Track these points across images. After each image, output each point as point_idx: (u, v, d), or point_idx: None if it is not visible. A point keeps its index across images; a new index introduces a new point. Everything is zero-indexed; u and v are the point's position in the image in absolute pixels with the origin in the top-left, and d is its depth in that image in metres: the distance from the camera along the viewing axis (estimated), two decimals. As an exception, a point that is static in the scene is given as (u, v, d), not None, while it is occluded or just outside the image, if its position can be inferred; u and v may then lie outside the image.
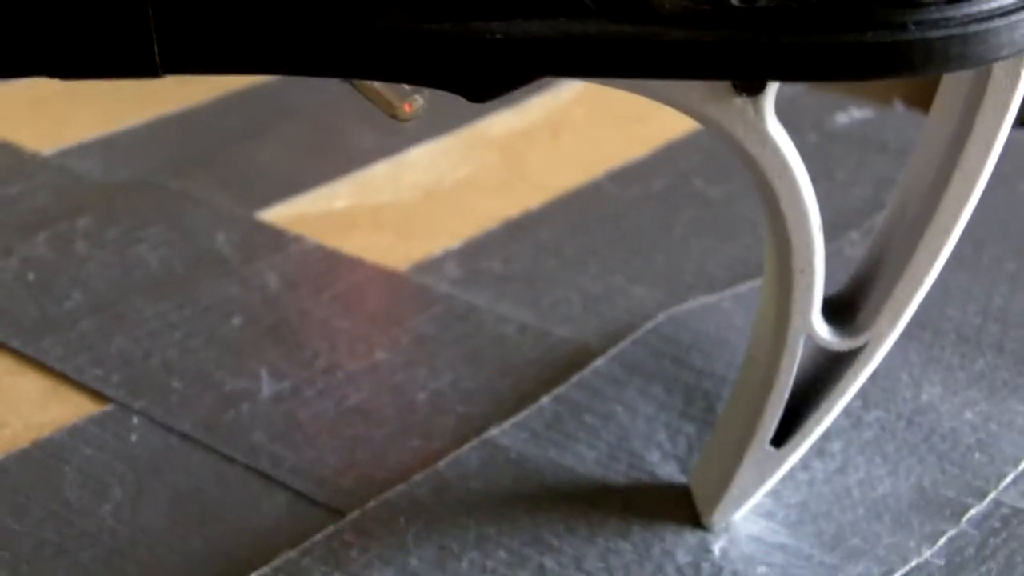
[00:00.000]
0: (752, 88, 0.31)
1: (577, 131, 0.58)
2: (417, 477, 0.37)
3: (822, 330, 0.33)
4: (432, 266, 0.48)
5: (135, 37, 0.28)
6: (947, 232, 0.33)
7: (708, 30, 0.28)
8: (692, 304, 0.44)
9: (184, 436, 0.39)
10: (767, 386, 0.34)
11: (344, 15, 0.28)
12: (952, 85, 0.33)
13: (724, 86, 0.30)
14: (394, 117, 0.33)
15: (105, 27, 0.28)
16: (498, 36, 0.28)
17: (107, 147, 0.56)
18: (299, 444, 0.39)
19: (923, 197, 0.33)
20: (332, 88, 0.31)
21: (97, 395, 0.41)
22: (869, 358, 0.34)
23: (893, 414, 0.40)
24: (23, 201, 0.52)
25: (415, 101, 0.33)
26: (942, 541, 0.35)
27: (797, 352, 0.33)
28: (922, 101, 0.86)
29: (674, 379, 0.41)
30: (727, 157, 0.50)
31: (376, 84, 0.32)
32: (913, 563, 0.34)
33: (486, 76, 0.29)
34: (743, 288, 0.45)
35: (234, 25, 0.28)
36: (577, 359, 0.42)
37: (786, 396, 0.34)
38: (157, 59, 0.28)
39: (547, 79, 0.32)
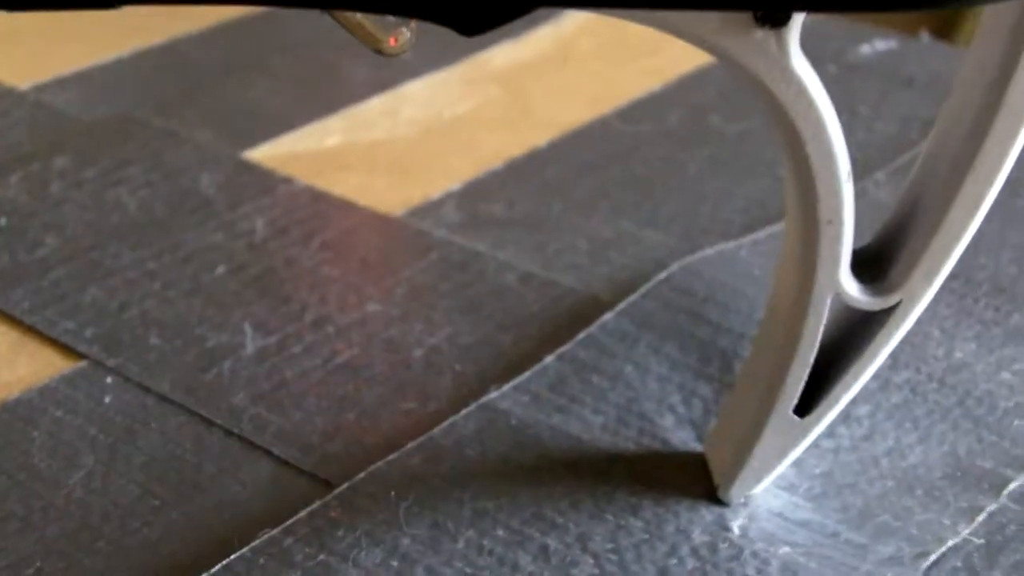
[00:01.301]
0: (775, 19, 0.28)
1: (584, 63, 0.54)
2: (410, 445, 0.34)
3: (851, 288, 0.31)
4: (429, 209, 0.45)
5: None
6: (989, 179, 0.30)
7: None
8: (707, 252, 0.41)
9: (161, 397, 0.37)
10: (790, 350, 0.31)
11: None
12: (995, 16, 0.30)
13: (744, 17, 0.27)
14: (379, 52, 0.30)
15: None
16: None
17: (86, 81, 0.53)
18: (284, 406, 0.36)
19: (962, 140, 0.30)
20: (323, 18, 0.29)
21: (69, 351, 0.39)
22: (902, 319, 0.31)
23: (923, 375, 0.37)
24: (-4, 139, 0.49)
25: (402, 34, 0.30)
26: (981, 517, 0.32)
27: (823, 313, 0.30)
28: (950, 31, 0.82)
29: (688, 335, 0.38)
30: (745, 92, 0.47)
31: (358, 15, 0.29)
32: (949, 543, 0.32)
33: (479, 6, 0.26)
34: (762, 234, 0.42)
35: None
36: (584, 312, 0.39)
37: (811, 361, 0.31)
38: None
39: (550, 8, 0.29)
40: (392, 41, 0.30)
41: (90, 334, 0.39)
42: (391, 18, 0.29)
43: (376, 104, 0.51)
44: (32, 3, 0.26)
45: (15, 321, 0.40)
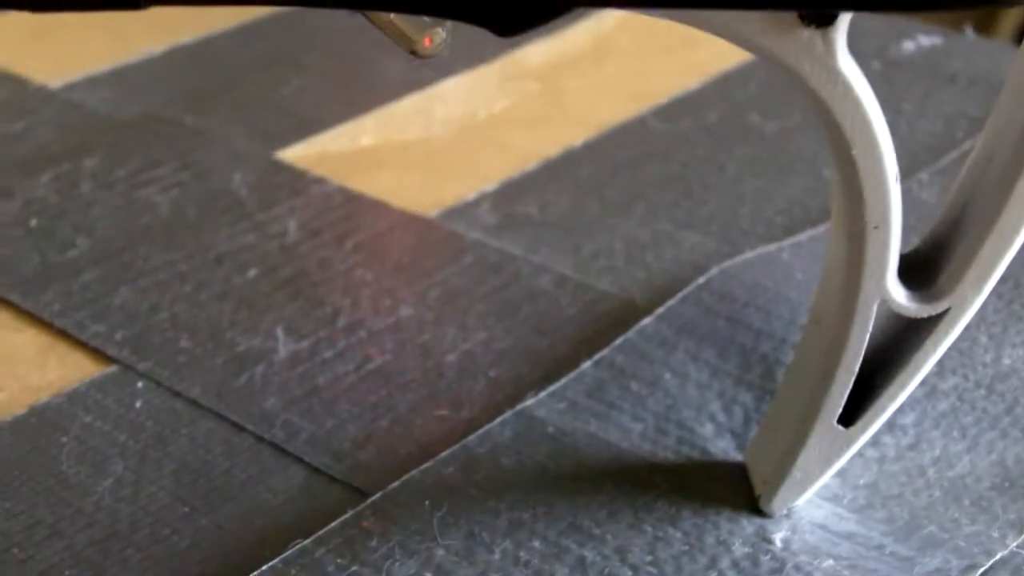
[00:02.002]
0: (822, 19, 0.27)
1: (622, 60, 0.53)
2: (444, 453, 0.33)
3: (898, 294, 0.30)
4: (464, 211, 0.44)
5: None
6: (1043, 183, 0.29)
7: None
8: (748, 255, 0.40)
9: (192, 402, 0.36)
10: (835, 357, 0.30)
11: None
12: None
13: (790, 17, 0.27)
14: (413, 53, 0.29)
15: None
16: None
17: (118, 79, 0.52)
18: (316, 412, 0.36)
19: (1014, 142, 0.29)
20: (357, 16, 0.28)
21: (99, 354, 0.38)
22: (951, 326, 0.30)
23: (971, 382, 0.36)
24: (27, 138, 0.48)
25: (437, 34, 0.29)
26: (1030, 530, 0.31)
27: (870, 320, 0.30)
28: (993, 26, 0.81)
29: (729, 341, 0.37)
30: (786, 88, 0.46)
31: (392, 16, 0.28)
32: (998, 555, 0.31)
33: (515, 7, 0.26)
34: (804, 236, 0.41)
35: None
36: (621, 317, 0.39)
37: (856, 369, 0.30)
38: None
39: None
40: (427, 42, 0.29)
41: (120, 337, 0.38)
42: (426, 18, 0.28)
43: (410, 103, 0.50)
44: (58, 4, 0.25)
45: (45, 324, 0.39)
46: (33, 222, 0.44)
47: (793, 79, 0.28)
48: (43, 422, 0.36)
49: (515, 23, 0.26)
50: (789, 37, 0.27)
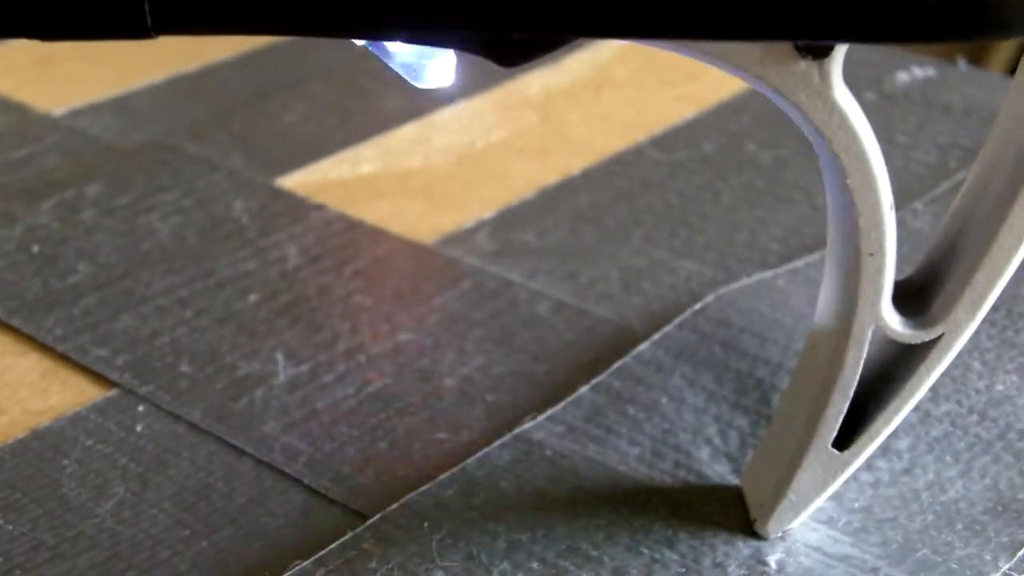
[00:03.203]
0: (818, 51, 0.27)
1: (619, 90, 0.54)
2: (443, 476, 0.34)
3: (892, 320, 0.30)
4: (462, 238, 0.44)
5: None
6: (1034, 211, 0.29)
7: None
8: (744, 282, 0.41)
9: (192, 426, 0.37)
10: (830, 382, 0.30)
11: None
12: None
13: (786, 47, 0.27)
14: (416, 83, 0.30)
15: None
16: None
17: (120, 107, 0.53)
18: (316, 435, 0.36)
19: (1009, 171, 0.29)
20: (357, 45, 0.28)
21: (101, 379, 0.38)
22: (944, 352, 0.30)
23: (965, 407, 0.36)
24: (31, 165, 0.49)
25: (440, 63, 0.29)
26: (1022, 552, 0.32)
27: (864, 345, 0.30)
28: (985, 57, 0.82)
29: (725, 366, 0.37)
30: (781, 119, 0.46)
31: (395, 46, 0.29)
32: (991, 579, 0.31)
33: (516, 38, 0.26)
34: (799, 263, 0.42)
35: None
36: (618, 342, 0.39)
37: (851, 393, 0.30)
38: (148, 18, 0.25)
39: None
40: (430, 70, 0.30)
41: (122, 362, 0.39)
42: (429, 49, 0.29)
43: (410, 131, 0.51)
44: (68, 33, 0.26)
45: (47, 348, 0.40)
46: (35, 248, 0.44)
47: (789, 109, 0.28)
48: (45, 445, 0.36)
49: (517, 54, 0.27)
50: (786, 68, 0.27)
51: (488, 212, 0.46)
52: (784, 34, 0.26)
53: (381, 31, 0.26)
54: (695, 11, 0.25)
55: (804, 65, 0.27)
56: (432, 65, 0.29)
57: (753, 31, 0.25)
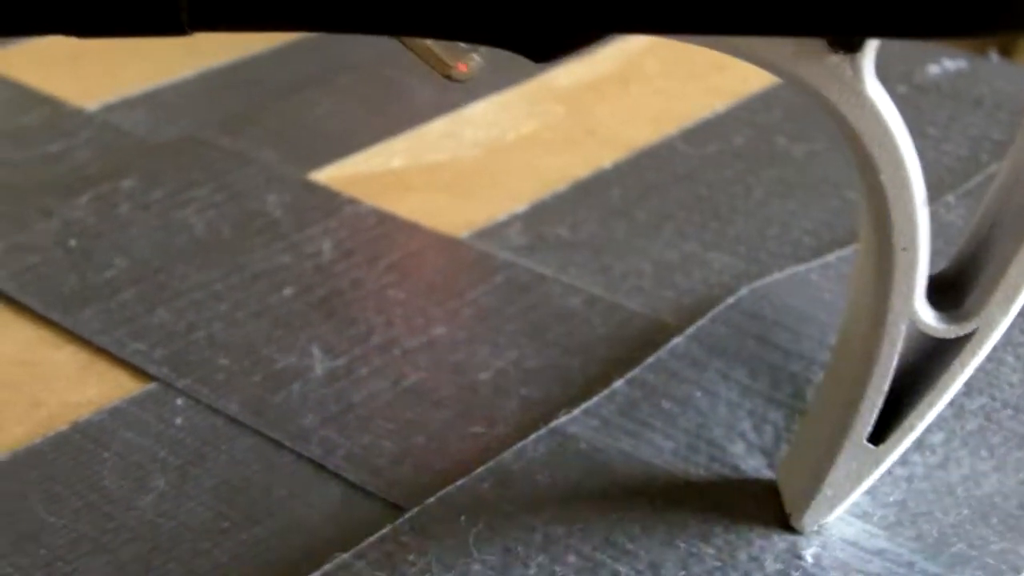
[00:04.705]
0: (850, 45, 0.27)
1: (649, 83, 0.54)
2: (479, 469, 0.34)
3: (926, 315, 0.30)
4: (494, 231, 0.45)
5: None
6: (1071, 204, 0.29)
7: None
8: (776, 276, 0.41)
9: (231, 419, 0.37)
10: (864, 377, 0.31)
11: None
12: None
13: (818, 43, 0.27)
14: (448, 78, 0.30)
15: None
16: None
17: (153, 101, 0.53)
18: (353, 429, 0.36)
19: (1041, 166, 0.30)
20: (388, 39, 0.28)
21: (138, 372, 0.39)
22: (978, 346, 0.31)
23: (999, 401, 0.36)
24: (65, 159, 0.49)
25: (472, 60, 0.30)
26: (1057, 547, 0.32)
27: (898, 340, 0.30)
28: (1018, 51, 0.81)
29: (758, 360, 0.37)
30: (812, 112, 0.46)
31: (427, 41, 0.29)
32: (1026, 573, 0.31)
33: (551, 33, 0.26)
34: (831, 257, 0.42)
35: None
36: (651, 336, 0.39)
37: (885, 388, 0.31)
38: (184, 14, 0.25)
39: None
40: (462, 67, 0.30)
41: (159, 355, 0.39)
42: (461, 44, 0.29)
43: (440, 125, 0.51)
44: (104, 30, 0.26)
45: (84, 342, 0.40)
46: (72, 242, 0.44)
47: (820, 103, 0.28)
48: (85, 438, 0.36)
49: (551, 50, 0.27)
50: (817, 63, 0.28)
51: (520, 205, 0.46)
52: (817, 30, 0.26)
53: (414, 27, 0.26)
54: (728, 7, 0.25)
55: (836, 60, 0.27)
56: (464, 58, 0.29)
57: (786, 27, 0.26)
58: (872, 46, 0.27)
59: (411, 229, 0.45)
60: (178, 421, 0.37)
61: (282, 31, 0.27)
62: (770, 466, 0.34)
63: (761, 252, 0.43)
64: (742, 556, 0.31)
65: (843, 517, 0.32)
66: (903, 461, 0.34)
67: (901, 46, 0.54)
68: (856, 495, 0.32)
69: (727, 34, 0.26)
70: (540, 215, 0.46)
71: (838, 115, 0.28)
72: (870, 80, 0.28)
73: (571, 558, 0.31)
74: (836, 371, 0.32)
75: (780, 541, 0.32)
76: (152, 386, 0.38)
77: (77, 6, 0.25)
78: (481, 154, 0.49)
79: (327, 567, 0.31)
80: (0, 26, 0.26)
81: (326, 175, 0.48)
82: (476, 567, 0.31)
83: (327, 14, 0.26)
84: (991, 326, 0.30)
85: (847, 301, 0.32)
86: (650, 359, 0.37)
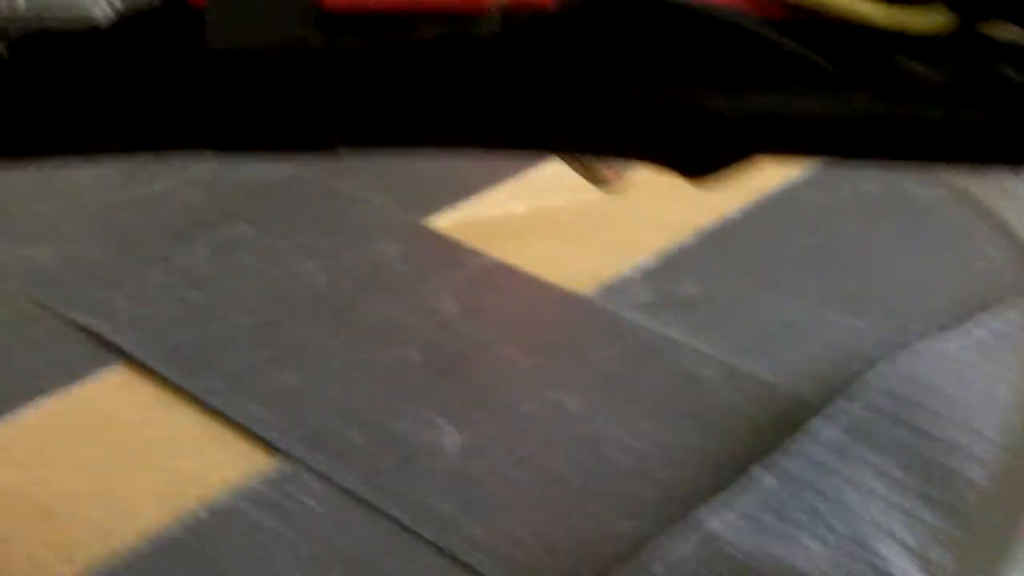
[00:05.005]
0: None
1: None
2: (621, 568, 0.33)
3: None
4: (621, 287, 0.43)
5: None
6: None
7: (975, 107, 0.23)
8: (916, 348, 0.40)
9: (360, 500, 0.36)
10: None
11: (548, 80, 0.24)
12: None
13: (1003, 168, 0.26)
14: (600, 187, 0.30)
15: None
16: (724, 113, 0.24)
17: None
18: (488, 515, 0.35)
19: None
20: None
21: (259, 440, 0.38)
22: None
23: None
24: (172, 200, 0.48)
25: (623, 172, 0.30)
26: None
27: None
28: None
29: (907, 449, 0.36)
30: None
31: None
32: None
33: (709, 152, 0.26)
34: (976, 330, 0.40)
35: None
36: (789, 411, 0.38)
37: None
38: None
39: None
40: (614, 176, 0.30)
41: (282, 424, 0.38)
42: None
43: (552, 168, 0.50)
44: (245, 147, 0.26)
45: (204, 404, 0.39)
46: (191, 295, 0.43)
47: (984, 214, 0.27)
48: (215, 518, 0.36)
49: (704, 168, 0.26)
50: (998, 185, 0.27)
51: (644, 257, 0.45)
52: (993, 158, 0.25)
53: (571, 148, 0.26)
54: (896, 137, 0.24)
55: (1013, 182, 0.27)
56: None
57: (956, 154, 0.25)
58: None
59: (536, 285, 0.43)
60: (309, 502, 0.36)
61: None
62: (923, 570, 0.33)
63: (897, 314, 0.42)
64: None
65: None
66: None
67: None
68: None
69: (891, 159, 0.25)
70: (666, 269, 0.44)
71: (1007, 231, 0.27)
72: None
73: None
74: (1009, 472, 0.31)
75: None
76: (275, 459, 0.37)
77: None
78: (601, 200, 0.48)
79: None
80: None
81: (442, 221, 0.47)
82: None
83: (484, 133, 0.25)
84: None
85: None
86: (793, 447, 0.36)
